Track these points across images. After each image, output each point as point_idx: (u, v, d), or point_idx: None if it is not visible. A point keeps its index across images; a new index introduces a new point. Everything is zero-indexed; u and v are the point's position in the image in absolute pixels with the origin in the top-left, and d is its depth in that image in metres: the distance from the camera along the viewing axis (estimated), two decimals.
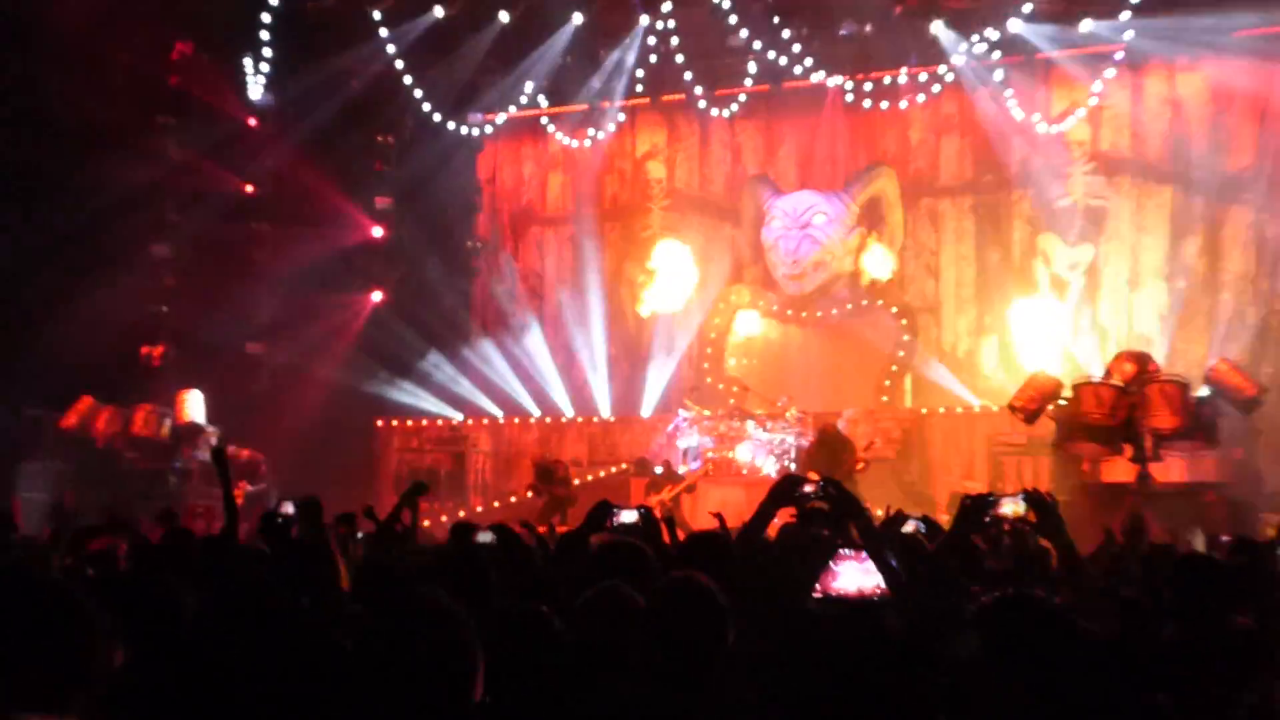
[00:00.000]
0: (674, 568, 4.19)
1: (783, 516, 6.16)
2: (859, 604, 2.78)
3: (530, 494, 16.34)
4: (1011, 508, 4.45)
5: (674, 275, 19.98)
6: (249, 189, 18.98)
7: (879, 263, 18.67)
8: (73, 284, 15.92)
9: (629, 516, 5.21)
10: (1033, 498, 4.30)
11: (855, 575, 2.81)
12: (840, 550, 2.89)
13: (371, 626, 2.64)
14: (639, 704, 3.09)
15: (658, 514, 5.88)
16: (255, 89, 17.99)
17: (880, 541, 4.03)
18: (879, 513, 8.43)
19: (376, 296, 19.70)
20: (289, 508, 6.00)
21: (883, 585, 2.81)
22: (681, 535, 6.81)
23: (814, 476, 6.80)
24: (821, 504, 4.53)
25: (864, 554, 2.83)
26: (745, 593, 3.92)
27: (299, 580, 4.85)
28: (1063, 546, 4.21)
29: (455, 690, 2.51)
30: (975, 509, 4.34)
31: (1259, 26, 16.16)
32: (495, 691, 2.79)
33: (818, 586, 2.85)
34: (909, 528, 5.84)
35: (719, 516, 6.82)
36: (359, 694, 2.53)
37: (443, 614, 2.57)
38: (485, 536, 5.71)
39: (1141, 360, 14.44)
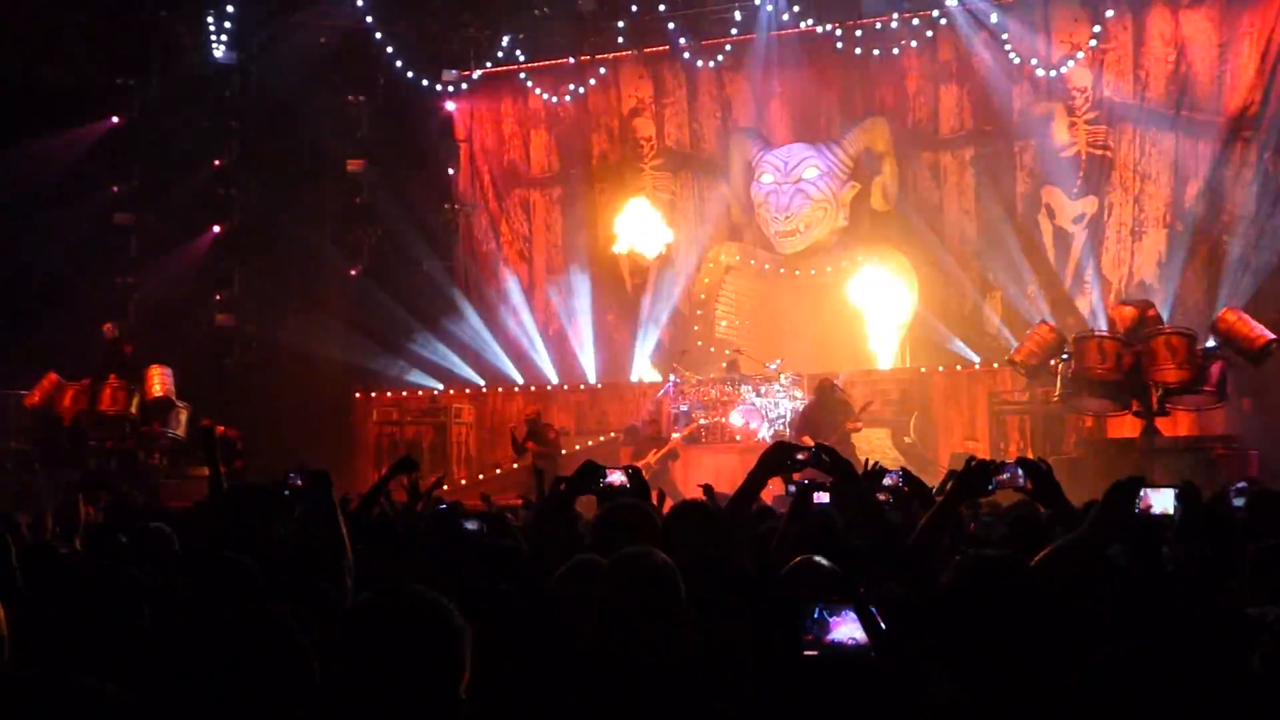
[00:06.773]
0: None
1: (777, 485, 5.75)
2: (853, 656, 2.62)
3: (514, 453, 15.86)
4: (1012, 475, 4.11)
5: (661, 235, 19.30)
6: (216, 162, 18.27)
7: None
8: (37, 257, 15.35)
9: (617, 478, 4.88)
10: (1028, 464, 4.13)
11: (849, 628, 2.65)
12: (830, 604, 2.70)
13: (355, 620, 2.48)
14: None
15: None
16: (218, 49, 17.24)
17: (875, 515, 4.09)
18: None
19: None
20: (298, 480, 5.39)
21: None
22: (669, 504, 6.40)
23: (807, 442, 6.31)
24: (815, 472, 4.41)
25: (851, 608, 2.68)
26: (724, 568, 3.85)
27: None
28: (1063, 513, 4.03)
29: (440, 685, 2.39)
30: (979, 476, 4.00)
31: None
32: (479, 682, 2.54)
33: (811, 637, 2.65)
34: (888, 481, 5.64)
35: (706, 488, 6.47)
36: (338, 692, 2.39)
37: (429, 607, 2.44)
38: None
39: (1141, 306, 14.28)
